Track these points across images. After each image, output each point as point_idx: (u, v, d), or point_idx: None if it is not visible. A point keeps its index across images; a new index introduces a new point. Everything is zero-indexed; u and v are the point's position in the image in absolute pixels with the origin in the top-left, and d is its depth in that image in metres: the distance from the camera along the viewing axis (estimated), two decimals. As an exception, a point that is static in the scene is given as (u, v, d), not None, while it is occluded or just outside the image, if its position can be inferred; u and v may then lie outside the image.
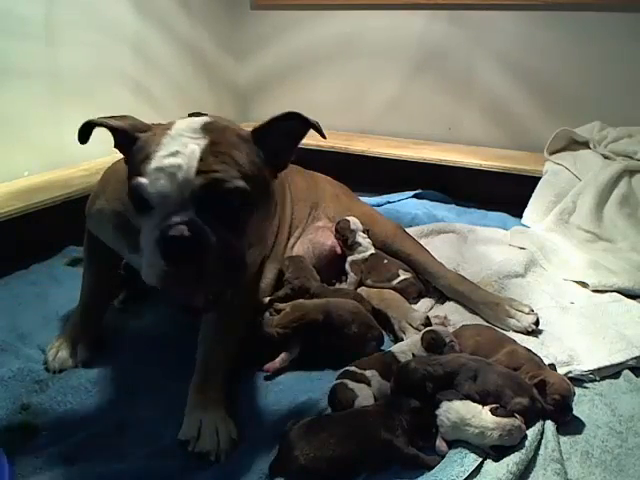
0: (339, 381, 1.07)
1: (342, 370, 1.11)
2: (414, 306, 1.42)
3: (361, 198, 1.83)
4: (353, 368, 1.10)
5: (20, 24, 1.83)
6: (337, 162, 2.24)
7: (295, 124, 0.96)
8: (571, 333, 1.31)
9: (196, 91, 2.64)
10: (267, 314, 1.26)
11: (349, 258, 1.54)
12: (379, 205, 2.11)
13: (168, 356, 1.22)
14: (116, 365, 1.19)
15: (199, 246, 0.82)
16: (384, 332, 1.34)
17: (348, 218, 1.57)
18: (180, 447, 0.95)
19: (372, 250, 1.54)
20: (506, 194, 2.16)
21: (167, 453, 0.95)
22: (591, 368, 1.17)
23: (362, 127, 2.68)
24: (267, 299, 1.34)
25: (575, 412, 1.04)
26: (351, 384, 1.05)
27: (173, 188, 0.83)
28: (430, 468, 0.92)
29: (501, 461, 0.91)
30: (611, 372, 1.19)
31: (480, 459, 0.92)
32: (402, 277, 1.47)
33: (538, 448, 0.96)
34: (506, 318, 1.34)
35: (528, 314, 1.33)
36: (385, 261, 1.52)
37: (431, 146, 2.43)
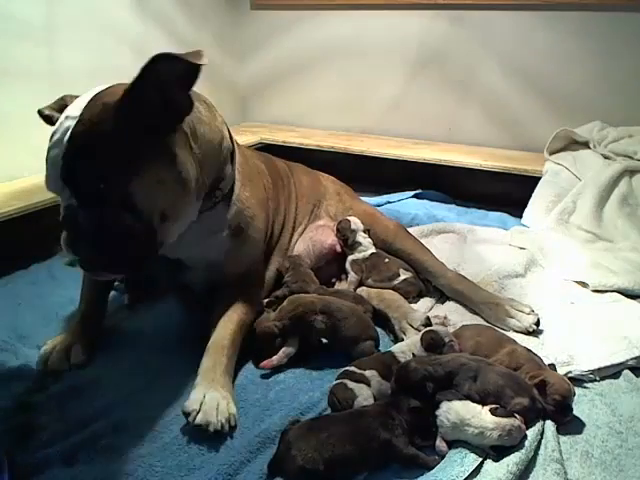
0: (339, 381, 1.07)
1: (342, 370, 1.11)
2: (414, 306, 1.42)
3: (361, 198, 1.83)
4: (353, 368, 1.10)
5: (20, 24, 1.83)
6: (337, 162, 2.24)
7: (164, 66, 0.91)
8: (571, 333, 1.30)
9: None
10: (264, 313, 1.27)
11: (349, 257, 1.54)
12: (379, 205, 2.11)
13: (168, 356, 1.22)
14: (116, 365, 1.19)
15: (75, 226, 1.00)
16: (385, 332, 1.34)
17: (349, 218, 1.58)
18: (185, 417, 0.99)
19: (373, 249, 1.54)
20: (506, 194, 2.17)
21: (167, 453, 0.95)
22: (591, 368, 1.17)
23: (362, 127, 2.68)
24: (265, 301, 1.35)
25: (575, 412, 1.04)
26: (351, 384, 1.05)
27: (56, 177, 0.98)
28: (430, 468, 0.92)
29: (501, 461, 0.91)
30: (611, 372, 1.19)
31: (480, 459, 0.92)
32: (403, 277, 1.47)
33: (538, 448, 0.96)
34: (506, 318, 1.34)
35: (528, 314, 1.33)
36: (386, 260, 1.52)
37: (431, 146, 2.44)
